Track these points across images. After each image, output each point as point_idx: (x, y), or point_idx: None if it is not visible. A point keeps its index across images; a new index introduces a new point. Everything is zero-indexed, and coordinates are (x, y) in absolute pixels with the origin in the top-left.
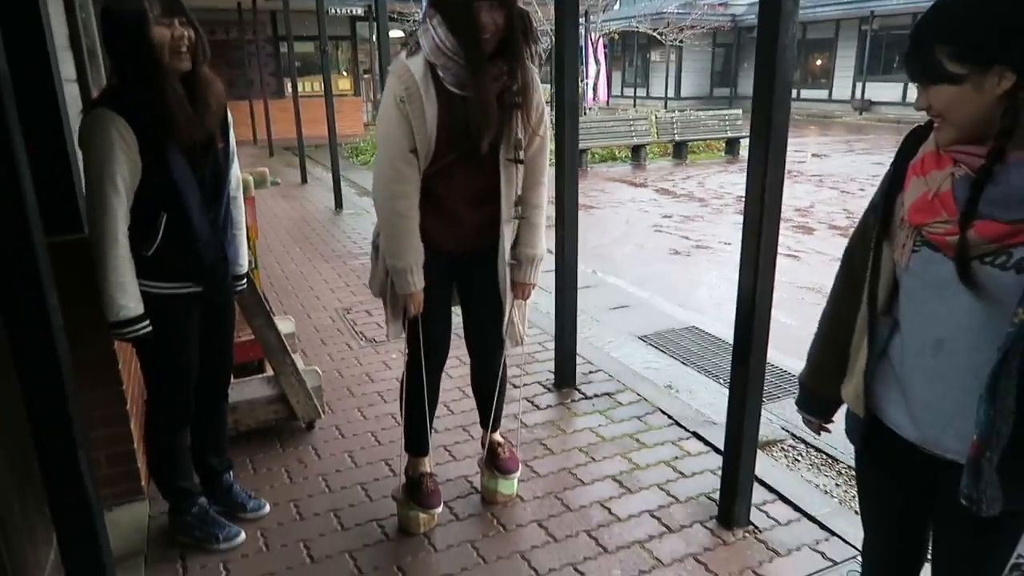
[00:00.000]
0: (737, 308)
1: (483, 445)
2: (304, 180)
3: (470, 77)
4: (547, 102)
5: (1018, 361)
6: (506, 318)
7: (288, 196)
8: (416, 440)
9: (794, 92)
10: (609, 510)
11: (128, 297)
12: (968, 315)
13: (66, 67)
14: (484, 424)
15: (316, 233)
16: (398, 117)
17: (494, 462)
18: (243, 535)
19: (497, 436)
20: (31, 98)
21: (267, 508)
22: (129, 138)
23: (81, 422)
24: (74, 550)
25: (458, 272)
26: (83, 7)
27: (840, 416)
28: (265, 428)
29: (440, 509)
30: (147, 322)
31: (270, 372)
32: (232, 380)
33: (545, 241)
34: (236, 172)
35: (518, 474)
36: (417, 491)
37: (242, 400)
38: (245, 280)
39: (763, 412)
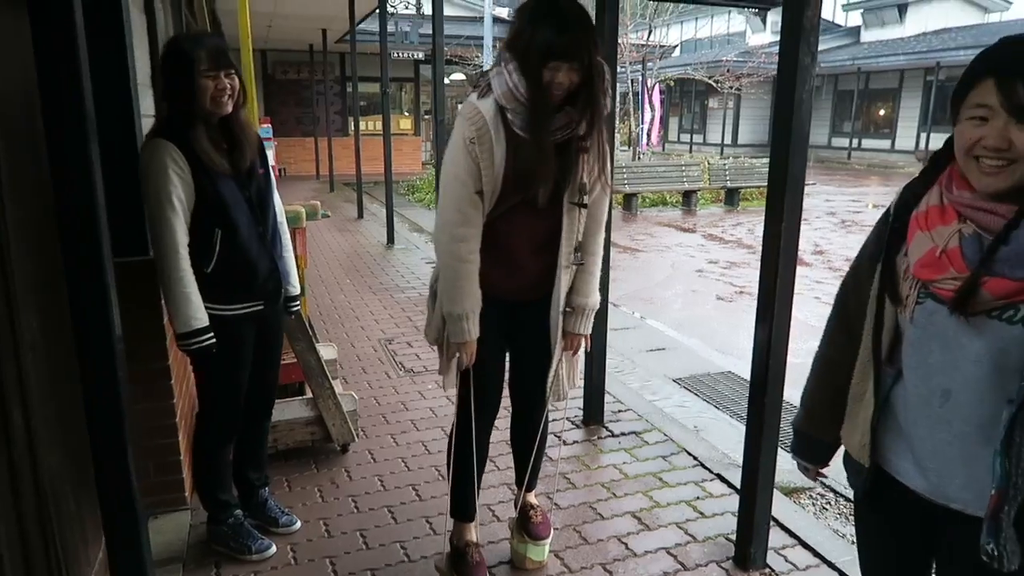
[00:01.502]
0: (754, 350)
1: (515, 505)
2: (360, 215)
3: (531, 131)
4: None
5: None
6: (552, 371)
7: (343, 229)
8: (463, 503)
9: (855, 142)
10: (626, 545)
11: (194, 308)
12: (975, 366)
13: (145, 103)
14: (519, 482)
15: (367, 266)
16: (466, 159)
17: (525, 526)
18: (274, 548)
19: (531, 498)
20: (111, 132)
21: (298, 524)
22: (182, 162)
23: (133, 430)
24: (119, 550)
25: (510, 322)
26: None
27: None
28: (302, 448)
29: None
30: (212, 334)
31: (309, 395)
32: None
33: (597, 291)
34: (278, 201)
35: (549, 540)
36: (462, 563)
37: (282, 420)
38: (297, 302)
39: (792, 458)
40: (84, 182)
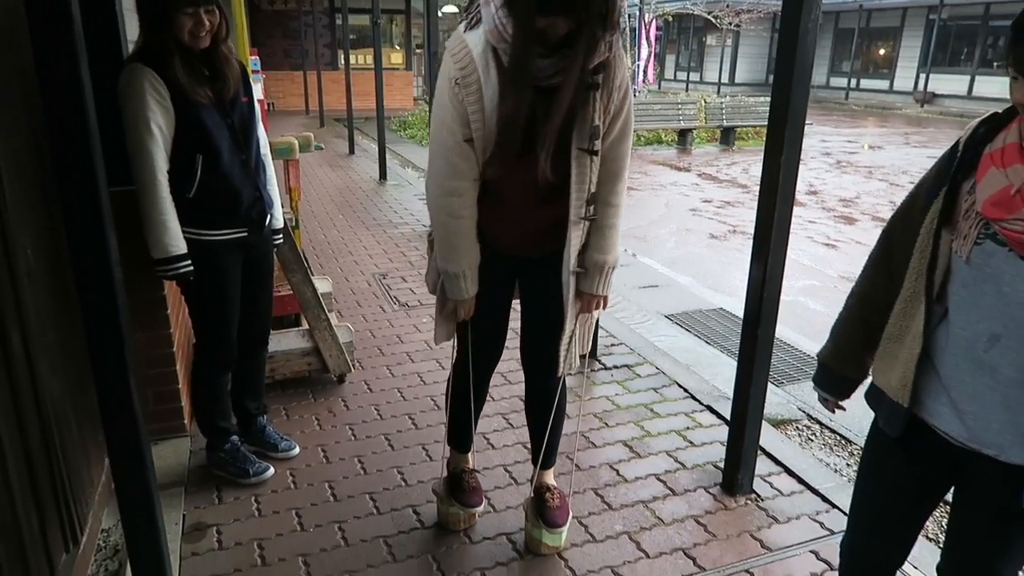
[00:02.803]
0: (748, 285)
1: (531, 483)
2: (352, 151)
3: (512, 84)
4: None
5: None
6: (566, 336)
7: (335, 165)
8: (460, 436)
9: (854, 82)
10: (617, 472)
11: (171, 235)
12: None
13: (131, 29)
14: (535, 458)
15: (359, 202)
16: (452, 103)
17: (541, 511)
18: (272, 471)
19: (549, 477)
20: (99, 58)
21: (297, 450)
22: (161, 88)
23: (134, 355)
24: (124, 471)
25: (520, 275)
26: None
27: (853, 398)
28: (299, 379)
29: (481, 508)
30: (189, 262)
31: (306, 327)
32: (270, 332)
33: (619, 246)
34: (263, 133)
35: (567, 527)
36: (458, 488)
37: (279, 351)
38: (282, 235)
39: (782, 392)
40: (76, 107)
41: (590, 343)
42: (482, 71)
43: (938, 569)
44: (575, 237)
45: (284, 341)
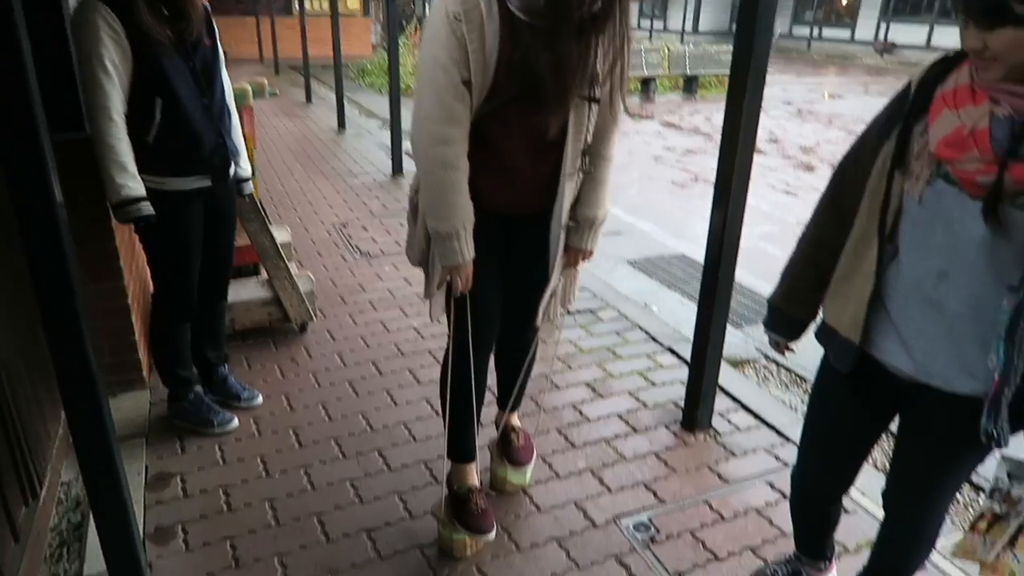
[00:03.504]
0: (709, 229)
1: (497, 426)
2: (308, 99)
3: (552, 12)
4: None
5: None
6: (549, 290)
7: (292, 115)
8: (462, 443)
9: (816, 31)
10: (580, 412)
11: (127, 176)
12: (977, 249)
13: None
14: (502, 403)
15: (317, 151)
16: (451, 40)
17: (506, 450)
18: (236, 421)
19: (515, 419)
20: None
21: (260, 399)
22: (116, 25)
23: (85, 306)
24: (81, 425)
25: (509, 235)
26: None
27: (807, 338)
28: (260, 328)
29: (493, 534)
30: (147, 203)
31: (265, 276)
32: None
33: (608, 201)
34: (227, 78)
35: (532, 466)
36: (463, 511)
37: (238, 301)
38: (250, 183)
39: (740, 334)
40: (9, 49)
41: (575, 296)
42: (485, 7)
43: (883, 494)
44: (568, 190)
45: (243, 291)
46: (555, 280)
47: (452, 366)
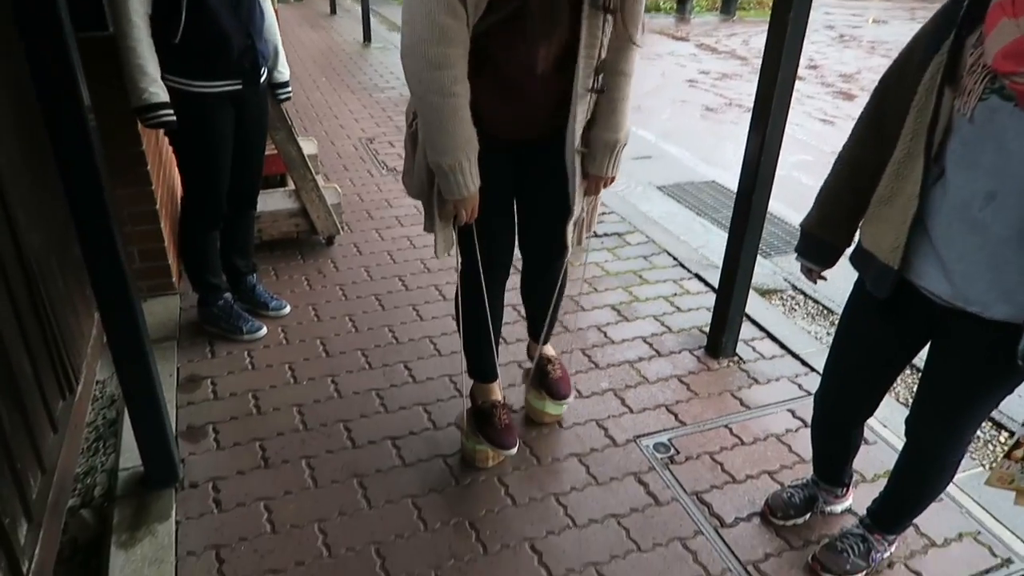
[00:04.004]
0: (745, 153)
1: (530, 358)
2: (333, 11)
3: None
4: None
5: None
6: (572, 219)
7: (316, 26)
8: (480, 365)
9: None
10: (605, 333)
11: (148, 81)
12: None
13: None
14: (534, 335)
15: (343, 64)
16: None
17: (544, 382)
18: (265, 329)
19: (549, 349)
20: None
21: (288, 309)
22: None
23: (113, 204)
24: (114, 321)
25: (519, 162)
26: None
27: (836, 268)
28: (287, 240)
29: (515, 450)
30: (170, 111)
31: (292, 187)
32: None
33: (628, 122)
34: None
35: (570, 399)
36: (486, 425)
37: (266, 211)
38: (290, 89)
39: (769, 264)
40: None
41: (595, 224)
42: None
43: (907, 421)
44: (580, 112)
45: (271, 201)
46: (578, 210)
47: (463, 295)
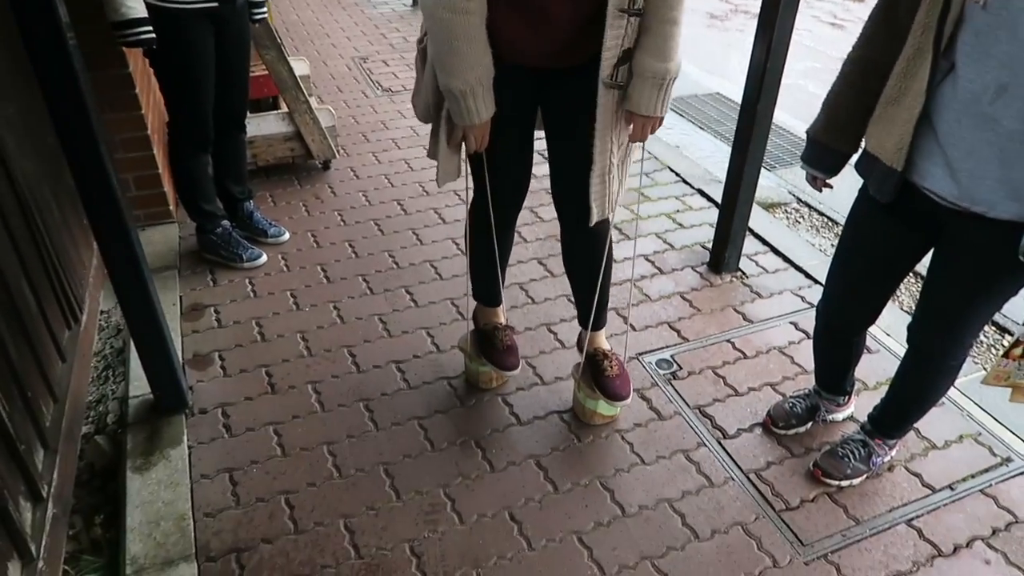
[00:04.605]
0: (751, 57)
1: (580, 349)
2: None
3: None
4: None
5: None
6: (597, 172)
7: None
8: (486, 291)
9: None
10: None
11: None
12: None
13: None
14: (582, 320)
15: None
16: None
17: (598, 379)
18: (265, 256)
19: (602, 339)
20: None
21: (287, 235)
22: None
23: (101, 127)
24: (112, 250)
25: (545, 94)
26: None
27: (841, 177)
28: (282, 165)
29: (518, 371)
30: (148, 28)
31: (285, 110)
32: (248, 115)
33: (679, 50)
34: None
35: (629, 400)
36: (490, 346)
37: (259, 135)
38: (265, 9)
39: (773, 176)
40: None
41: (626, 180)
42: None
43: (909, 327)
44: (612, 37)
45: (264, 125)
46: (602, 158)
47: (471, 226)
